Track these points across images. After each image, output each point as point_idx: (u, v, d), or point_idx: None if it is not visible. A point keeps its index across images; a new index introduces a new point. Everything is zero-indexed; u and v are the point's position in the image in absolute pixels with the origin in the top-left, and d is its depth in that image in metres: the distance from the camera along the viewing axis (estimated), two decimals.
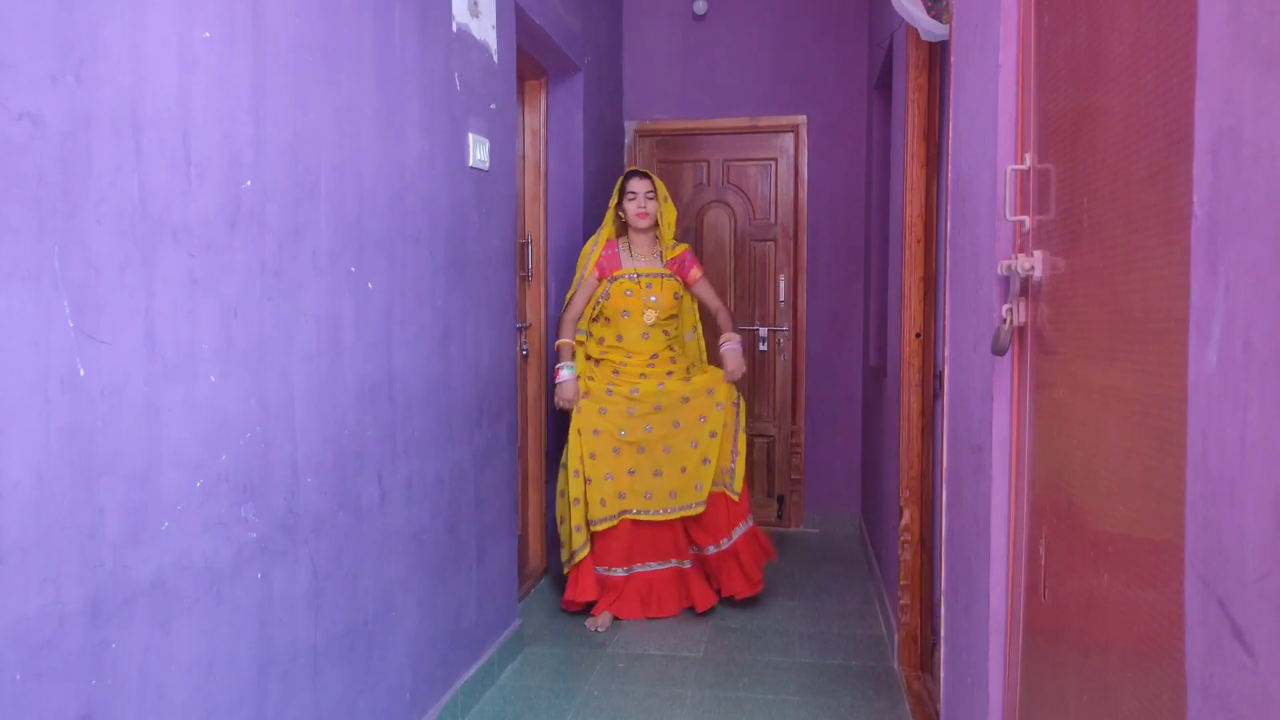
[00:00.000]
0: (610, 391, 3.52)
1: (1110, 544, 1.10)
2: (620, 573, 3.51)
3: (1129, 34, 1.05)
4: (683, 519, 3.56)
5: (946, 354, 2.06)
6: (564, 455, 3.60)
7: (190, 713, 1.54)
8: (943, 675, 2.05)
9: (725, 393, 3.57)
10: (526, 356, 3.84)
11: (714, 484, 3.55)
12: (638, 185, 3.61)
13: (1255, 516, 0.70)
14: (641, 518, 3.51)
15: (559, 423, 4.10)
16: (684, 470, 3.53)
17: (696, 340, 3.87)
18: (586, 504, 3.47)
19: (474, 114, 2.74)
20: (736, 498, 3.56)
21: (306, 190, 1.87)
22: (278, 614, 1.79)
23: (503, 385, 3.02)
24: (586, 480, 3.47)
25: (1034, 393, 1.44)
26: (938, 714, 2.23)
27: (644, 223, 3.59)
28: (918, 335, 2.90)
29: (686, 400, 3.52)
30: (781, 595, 3.81)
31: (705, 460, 3.52)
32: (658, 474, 3.51)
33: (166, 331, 1.47)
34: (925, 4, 2.45)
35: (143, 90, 1.42)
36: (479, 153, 2.76)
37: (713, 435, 3.53)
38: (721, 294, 4.84)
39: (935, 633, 2.65)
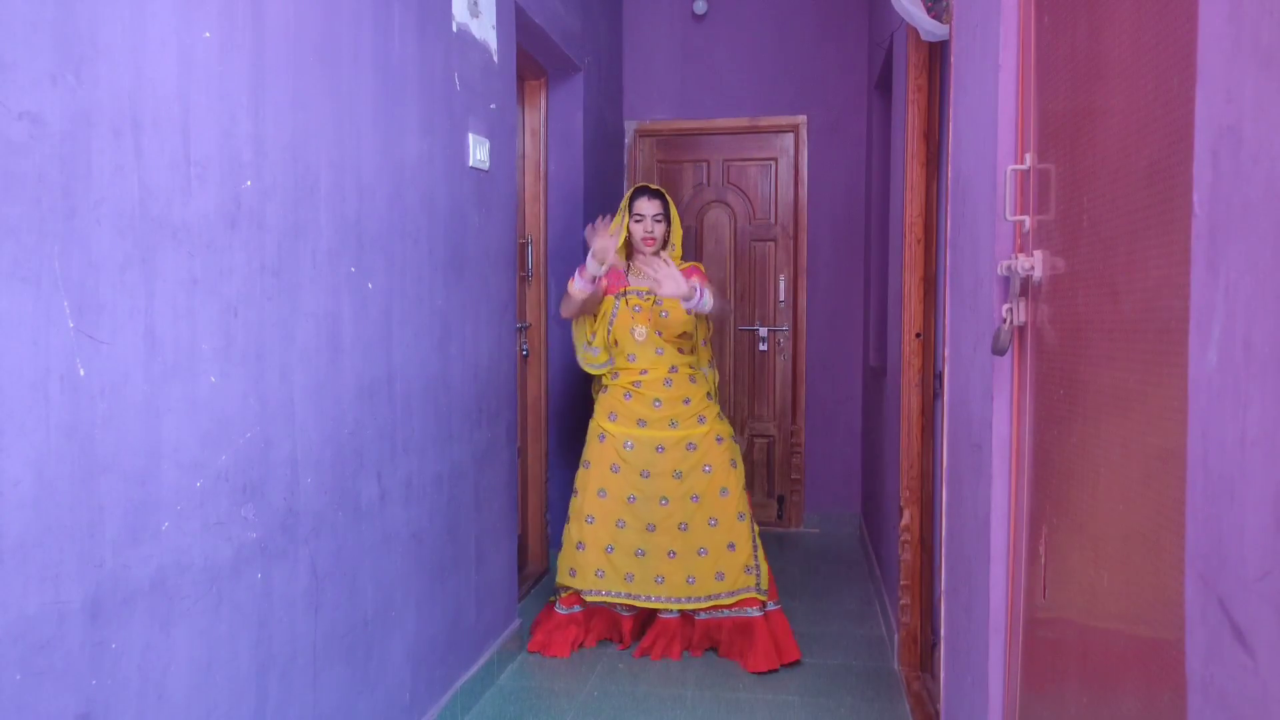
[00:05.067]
0: (629, 444, 3.21)
1: (1110, 544, 1.10)
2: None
3: (1129, 34, 1.05)
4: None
5: (946, 354, 2.06)
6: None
7: (190, 713, 1.55)
8: (943, 675, 2.05)
9: (729, 447, 3.27)
10: (526, 356, 3.84)
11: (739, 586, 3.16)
12: (646, 206, 3.27)
13: (1255, 516, 0.70)
14: (644, 605, 3.21)
15: (559, 423, 4.11)
16: (702, 552, 3.18)
17: (714, 375, 3.47)
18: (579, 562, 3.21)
19: (474, 114, 2.74)
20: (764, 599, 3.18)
21: (306, 190, 1.87)
22: (277, 614, 1.79)
23: (502, 385, 3.02)
24: (578, 545, 3.22)
25: (1034, 393, 1.44)
26: (938, 714, 2.23)
27: (650, 249, 3.26)
28: (918, 335, 2.90)
29: (693, 447, 3.20)
30: (782, 595, 3.80)
31: (730, 545, 3.18)
32: (671, 554, 3.19)
33: (166, 331, 1.47)
34: (925, 4, 2.45)
35: (143, 90, 1.42)
36: (479, 153, 2.76)
37: (724, 493, 3.20)
38: (723, 295, 4.85)
39: (935, 633, 2.65)
